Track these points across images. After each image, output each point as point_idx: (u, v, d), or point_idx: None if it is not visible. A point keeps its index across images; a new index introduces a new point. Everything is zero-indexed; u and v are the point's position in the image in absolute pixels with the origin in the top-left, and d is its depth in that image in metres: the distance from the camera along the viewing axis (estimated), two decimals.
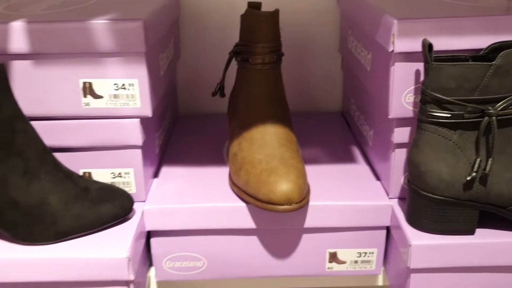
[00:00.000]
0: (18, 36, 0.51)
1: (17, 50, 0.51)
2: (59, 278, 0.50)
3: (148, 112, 0.54)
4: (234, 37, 0.79)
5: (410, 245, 0.51)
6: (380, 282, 0.62)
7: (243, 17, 0.61)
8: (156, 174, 0.64)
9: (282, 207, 0.52)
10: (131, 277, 0.50)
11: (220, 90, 0.69)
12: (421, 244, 0.51)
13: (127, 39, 0.51)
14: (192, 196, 0.58)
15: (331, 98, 0.84)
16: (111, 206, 0.53)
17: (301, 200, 0.53)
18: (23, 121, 0.49)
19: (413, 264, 0.52)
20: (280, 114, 0.61)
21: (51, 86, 0.53)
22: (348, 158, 0.68)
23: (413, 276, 0.53)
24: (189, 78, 0.82)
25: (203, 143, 0.73)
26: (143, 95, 0.53)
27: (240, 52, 0.63)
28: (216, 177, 0.63)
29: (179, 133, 0.77)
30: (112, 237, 0.52)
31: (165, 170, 0.65)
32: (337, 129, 0.78)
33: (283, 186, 0.52)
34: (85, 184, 0.53)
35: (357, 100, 0.72)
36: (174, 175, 0.63)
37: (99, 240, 0.52)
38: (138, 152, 0.56)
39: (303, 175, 0.54)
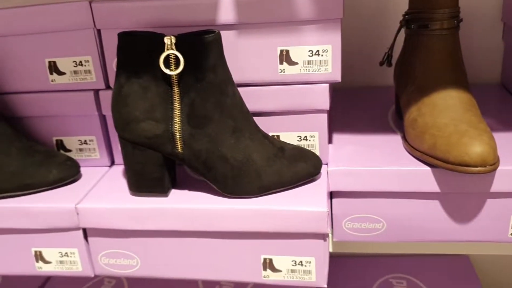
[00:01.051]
0: (226, 8, 0.56)
1: (224, 21, 0.56)
2: (263, 228, 0.55)
3: (338, 77, 0.57)
4: (390, 8, 0.80)
5: None
6: None
7: None
8: (329, 140, 0.67)
9: (476, 168, 0.52)
10: (328, 230, 0.54)
11: (388, 59, 0.71)
12: None
13: (326, 6, 0.54)
14: (371, 160, 0.60)
15: (490, 69, 0.82)
16: (305, 165, 0.57)
17: (495, 163, 0.53)
18: (232, 85, 0.54)
19: None
20: (461, 80, 0.61)
21: (252, 55, 0.57)
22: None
23: None
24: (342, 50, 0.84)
25: (364, 112, 0.75)
26: (335, 60, 0.56)
27: (414, 20, 0.64)
28: (387, 143, 0.64)
29: (338, 103, 0.80)
30: (307, 193, 0.56)
31: (337, 137, 0.68)
32: (498, 100, 0.76)
33: (478, 148, 0.52)
34: (280, 144, 0.57)
35: None
36: (346, 141, 0.66)
37: (296, 195, 0.56)
38: (324, 116, 0.59)
39: (494, 138, 0.54)
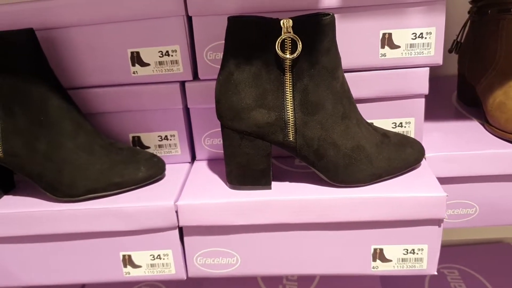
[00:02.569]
0: None
1: (327, 5, 0.54)
2: (378, 217, 0.53)
3: (439, 60, 0.56)
4: None
5: None
6: None
7: None
8: None
9: None
10: (445, 215, 0.53)
11: (457, 46, 0.71)
12: None
13: None
14: (464, 145, 0.59)
15: None
16: (412, 151, 0.55)
17: None
18: (341, 70, 0.52)
19: None
20: None
21: (353, 39, 0.55)
22: None
23: None
24: None
25: (429, 100, 0.75)
26: (438, 43, 0.55)
27: (490, 5, 0.64)
28: (467, 128, 0.64)
29: None
30: (416, 179, 0.54)
31: None
32: None
33: None
34: (382, 131, 0.56)
35: None
36: (429, 128, 0.65)
37: (406, 182, 0.54)
38: (422, 101, 0.58)
39: None
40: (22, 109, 0.53)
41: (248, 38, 0.49)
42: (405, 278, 0.87)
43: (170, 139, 0.61)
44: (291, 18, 0.49)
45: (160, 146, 0.62)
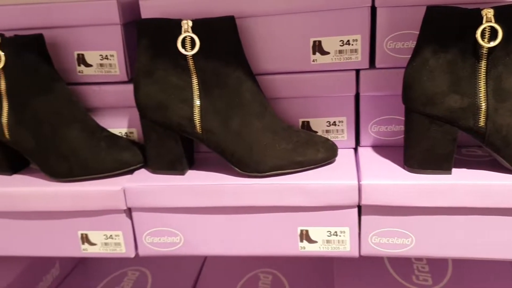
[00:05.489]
0: None
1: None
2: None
3: None
4: None
5: None
6: None
7: None
8: None
9: None
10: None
11: None
12: None
13: None
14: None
15: None
16: None
17: None
18: None
19: None
20: None
21: None
22: None
23: None
24: None
25: None
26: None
27: None
28: None
29: None
30: None
31: None
32: None
33: None
34: None
35: None
36: None
37: None
38: None
39: None
40: (220, 90, 0.58)
41: (446, 27, 0.52)
42: None
43: (338, 125, 0.65)
44: (492, 7, 0.51)
45: (327, 131, 0.65)
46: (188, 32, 0.57)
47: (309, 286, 0.93)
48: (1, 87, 0.62)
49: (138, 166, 0.64)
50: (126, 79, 0.66)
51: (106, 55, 0.65)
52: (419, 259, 0.87)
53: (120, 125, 0.68)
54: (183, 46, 0.57)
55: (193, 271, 1.01)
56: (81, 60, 0.66)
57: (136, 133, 0.69)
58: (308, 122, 0.65)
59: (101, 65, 0.66)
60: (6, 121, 0.62)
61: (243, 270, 1.00)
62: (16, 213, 0.65)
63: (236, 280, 0.97)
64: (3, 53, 0.60)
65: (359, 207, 0.59)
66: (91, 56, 0.65)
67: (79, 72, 0.66)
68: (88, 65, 0.66)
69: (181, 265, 1.03)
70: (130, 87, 0.65)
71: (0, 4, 0.65)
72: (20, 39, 0.61)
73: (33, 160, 0.64)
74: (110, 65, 0.65)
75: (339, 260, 0.90)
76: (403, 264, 0.87)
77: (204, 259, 1.05)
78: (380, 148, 0.65)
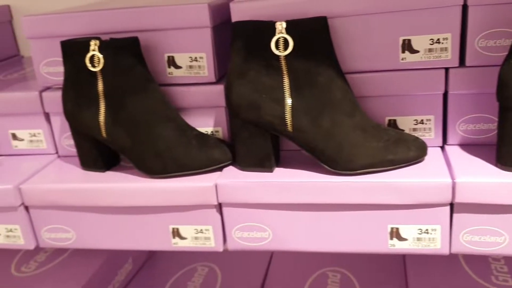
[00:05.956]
0: None
1: None
2: None
3: None
4: None
5: None
6: None
7: None
8: None
9: None
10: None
11: None
12: None
13: None
14: None
15: None
16: None
17: None
18: None
19: None
20: None
21: None
22: None
23: None
24: None
25: None
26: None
27: None
28: None
29: None
30: None
31: None
32: None
33: None
34: None
35: None
36: None
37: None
38: None
39: None
40: (311, 89, 0.59)
41: None
42: None
43: (426, 123, 0.65)
44: None
45: (414, 129, 0.65)
46: (282, 33, 0.58)
47: (380, 285, 0.93)
48: (99, 88, 0.65)
49: (227, 163, 0.66)
50: (214, 80, 0.68)
51: (196, 57, 0.68)
52: (496, 259, 0.86)
53: (206, 124, 0.71)
54: (276, 47, 0.59)
55: (260, 267, 1.03)
56: (171, 62, 0.69)
57: (221, 131, 0.71)
58: (395, 120, 0.66)
59: (190, 66, 0.68)
60: (103, 121, 0.66)
61: (310, 268, 1.01)
62: (110, 208, 0.68)
63: (305, 278, 0.98)
64: (102, 56, 0.64)
65: (451, 205, 0.59)
66: (181, 58, 0.68)
67: (169, 74, 0.69)
68: (177, 67, 0.69)
69: (248, 261, 1.06)
70: (217, 88, 0.68)
71: (95, 10, 0.69)
72: (118, 42, 0.65)
73: (128, 158, 0.67)
74: (199, 66, 0.68)
75: (412, 259, 0.90)
76: (480, 264, 0.86)
77: (271, 255, 1.06)
78: (468, 147, 0.65)
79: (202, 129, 0.71)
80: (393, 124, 0.66)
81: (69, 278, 0.91)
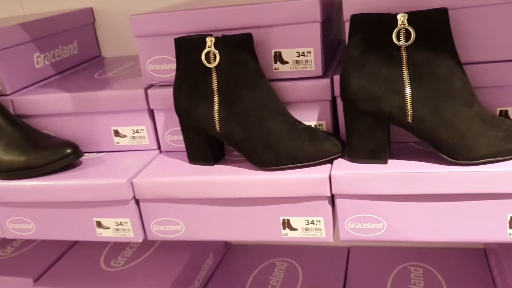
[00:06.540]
0: None
1: None
2: None
3: None
4: None
5: None
6: None
7: None
8: None
9: None
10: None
11: None
12: None
13: None
14: None
15: None
16: None
17: None
18: None
19: None
20: None
21: None
22: None
23: None
24: None
25: None
26: None
27: None
28: None
29: None
30: None
31: None
32: None
33: None
34: None
35: None
36: None
37: None
38: None
39: None
40: (431, 80, 0.60)
41: None
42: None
43: None
44: None
45: None
46: (404, 24, 0.59)
47: (465, 281, 0.93)
48: (213, 83, 0.67)
49: (337, 155, 0.67)
50: (320, 74, 0.69)
51: (303, 52, 0.69)
52: None
53: (310, 118, 0.72)
54: (398, 38, 0.60)
55: (339, 263, 1.04)
56: (278, 57, 0.70)
57: (325, 125, 0.72)
58: (506, 111, 0.66)
59: (297, 61, 0.69)
60: (217, 115, 0.67)
61: (391, 263, 1.01)
62: (221, 200, 0.70)
63: (387, 272, 0.98)
64: (217, 52, 0.66)
65: None
66: (288, 54, 0.70)
67: (275, 69, 0.71)
68: (284, 62, 0.70)
69: (325, 256, 1.06)
70: (323, 82, 0.69)
71: (206, 7, 0.71)
72: (233, 38, 0.66)
73: (240, 151, 0.69)
74: (306, 61, 0.69)
75: (498, 254, 0.90)
76: None
77: (348, 251, 1.07)
78: None
79: (306, 123, 0.72)
80: (504, 114, 0.66)
81: (159, 273, 0.93)
